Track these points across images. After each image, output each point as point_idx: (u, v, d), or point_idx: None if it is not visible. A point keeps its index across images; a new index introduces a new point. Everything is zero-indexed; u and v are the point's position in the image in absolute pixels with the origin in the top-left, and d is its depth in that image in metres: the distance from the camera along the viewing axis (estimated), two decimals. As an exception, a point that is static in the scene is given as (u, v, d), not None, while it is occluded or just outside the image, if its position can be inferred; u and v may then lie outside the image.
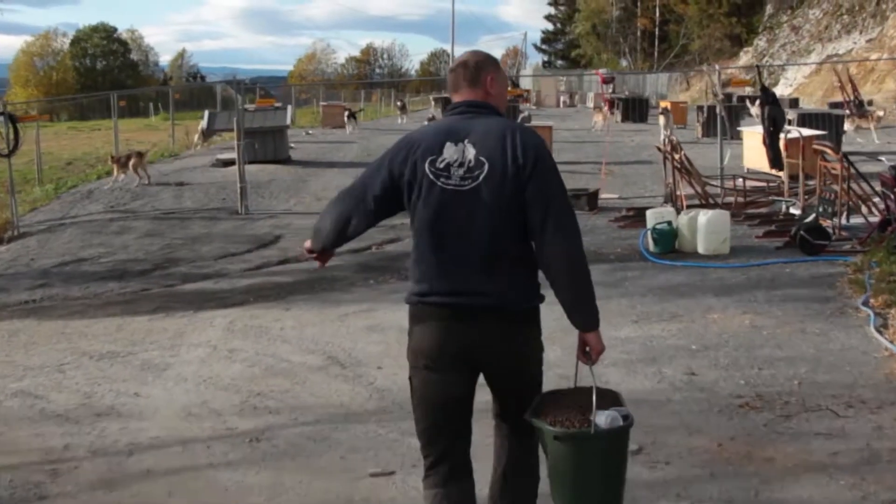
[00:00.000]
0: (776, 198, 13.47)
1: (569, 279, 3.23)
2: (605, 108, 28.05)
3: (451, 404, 3.38)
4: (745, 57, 55.03)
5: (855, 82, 27.99)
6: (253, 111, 21.30)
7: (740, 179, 14.17)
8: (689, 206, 12.47)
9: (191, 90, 66.67)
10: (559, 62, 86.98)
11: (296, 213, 15.31)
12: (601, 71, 28.75)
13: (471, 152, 3.26)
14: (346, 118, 32.87)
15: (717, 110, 16.72)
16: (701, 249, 10.39)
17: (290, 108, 22.88)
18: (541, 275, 3.34)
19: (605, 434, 3.23)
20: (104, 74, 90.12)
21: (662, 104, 31.38)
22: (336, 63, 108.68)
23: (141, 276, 10.93)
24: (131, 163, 18.74)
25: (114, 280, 10.68)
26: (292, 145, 22.99)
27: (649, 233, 10.70)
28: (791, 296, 8.34)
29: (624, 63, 73.03)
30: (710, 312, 7.85)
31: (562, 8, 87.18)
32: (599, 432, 3.22)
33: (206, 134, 25.30)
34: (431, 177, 3.26)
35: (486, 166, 3.22)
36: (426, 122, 21.68)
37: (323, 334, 7.73)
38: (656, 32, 71.14)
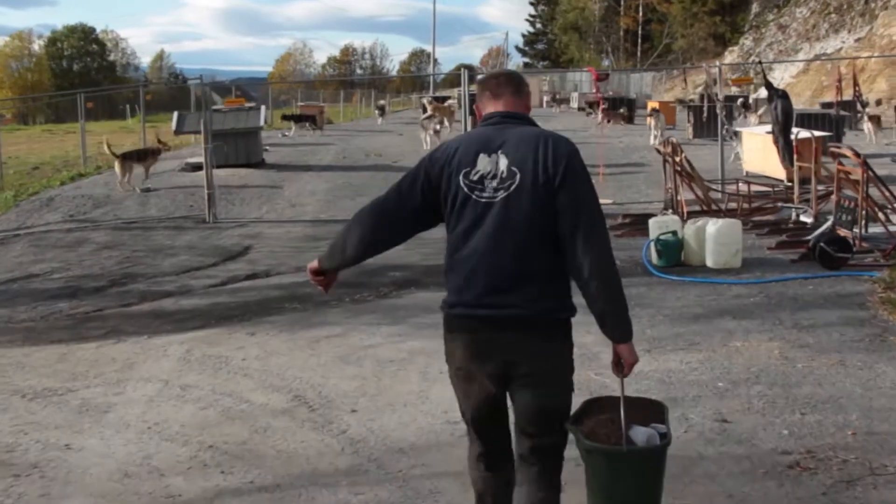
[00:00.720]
0: (785, 204, 12.57)
1: (600, 289, 3.16)
2: (600, 109, 27.10)
3: (488, 402, 3.35)
4: (731, 56, 54.36)
5: (858, 82, 26.98)
6: (225, 112, 20.26)
7: (744, 184, 13.23)
8: (690, 213, 11.59)
9: (170, 91, 65.49)
10: (541, 63, 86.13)
11: (267, 221, 14.33)
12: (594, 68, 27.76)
13: (503, 163, 3.22)
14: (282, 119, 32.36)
15: (718, 110, 15.83)
16: (710, 263, 9.47)
17: (263, 108, 21.81)
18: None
19: (638, 453, 3.13)
20: (81, 76, 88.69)
21: (651, 105, 30.52)
22: (316, 64, 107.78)
23: (95, 293, 9.92)
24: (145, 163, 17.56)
25: (65, 299, 9.67)
26: (266, 148, 22.02)
27: (653, 244, 9.75)
28: (820, 319, 7.43)
29: (606, 63, 72.33)
30: (732, 339, 6.93)
31: (543, 8, 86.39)
32: (633, 451, 3.13)
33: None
34: (466, 190, 3.25)
35: (518, 176, 3.19)
36: (425, 117, 20.82)
37: (290, 366, 6.79)
38: (639, 31, 70.57)
